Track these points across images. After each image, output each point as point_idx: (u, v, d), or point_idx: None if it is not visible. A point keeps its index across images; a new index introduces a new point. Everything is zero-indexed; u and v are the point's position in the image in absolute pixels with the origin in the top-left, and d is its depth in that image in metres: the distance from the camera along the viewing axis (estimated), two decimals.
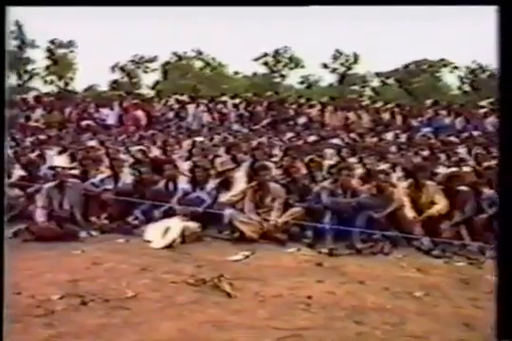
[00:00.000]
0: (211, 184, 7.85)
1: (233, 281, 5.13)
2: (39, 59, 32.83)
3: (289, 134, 12.27)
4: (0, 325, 3.04)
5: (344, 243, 6.63)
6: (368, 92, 35.72)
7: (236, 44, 44.85)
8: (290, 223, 6.98)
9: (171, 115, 15.33)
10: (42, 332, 4.07)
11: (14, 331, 4.08)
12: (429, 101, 16.89)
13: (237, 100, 15.86)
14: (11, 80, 31.94)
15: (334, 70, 36.89)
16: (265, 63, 36.85)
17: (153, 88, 33.98)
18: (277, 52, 36.76)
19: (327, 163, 8.67)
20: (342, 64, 36.74)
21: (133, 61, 35.97)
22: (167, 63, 35.98)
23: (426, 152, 10.36)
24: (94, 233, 7.25)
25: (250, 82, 35.35)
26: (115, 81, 35.08)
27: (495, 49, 3.08)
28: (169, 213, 7.44)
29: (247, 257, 6.19)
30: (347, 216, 6.80)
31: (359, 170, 8.06)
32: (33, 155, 9.97)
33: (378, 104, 16.20)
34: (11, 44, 31.71)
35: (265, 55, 36.65)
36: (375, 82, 37.57)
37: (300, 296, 4.84)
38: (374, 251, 6.46)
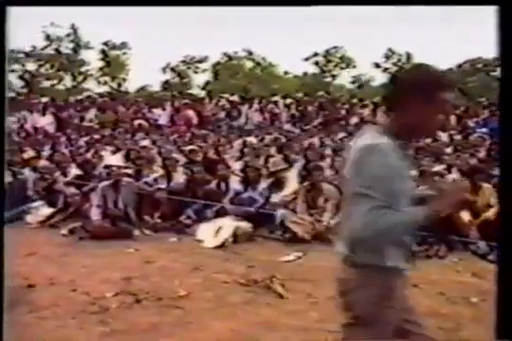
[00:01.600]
0: (263, 184, 7.83)
1: (285, 282, 5.10)
2: (93, 60, 33.49)
3: (341, 135, 12.14)
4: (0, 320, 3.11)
5: None
6: None
7: (286, 44, 44.79)
8: None
9: (222, 115, 15.39)
10: (96, 329, 4.13)
11: (68, 326, 4.18)
12: (483, 101, 16.48)
13: (288, 100, 15.81)
14: (66, 81, 32.65)
15: (386, 70, 36.37)
16: (316, 63, 36.65)
17: (203, 88, 34.23)
18: (328, 52, 36.52)
19: None
20: (395, 64, 36.20)
21: (184, 61, 36.28)
22: (217, 64, 36.17)
23: (482, 154, 10.09)
24: (147, 232, 7.35)
25: (301, 82, 35.22)
26: (166, 82, 35.46)
27: (495, 49, 3.02)
28: (221, 213, 7.48)
29: (300, 258, 6.15)
30: None
31: (413, 171, 7.88)
32: (88, 155, 10.18)
33: None
34: (68, 46, 32.44)
35: (316, 55, 36.46)
36: None
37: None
38: (429, 254, 6.31)
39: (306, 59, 36.42)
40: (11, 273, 5.51)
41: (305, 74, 37.08)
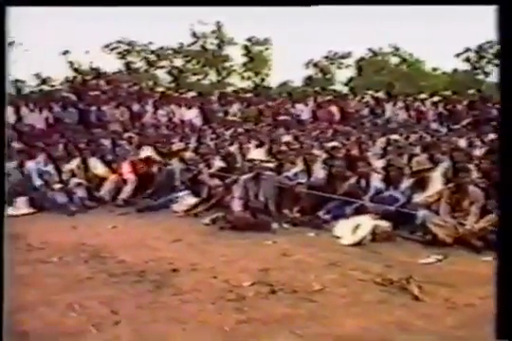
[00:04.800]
0: (406, 183, 7.64)
1: (422, 285, 4.96)
2: (236, 56, 34.33)
3: (492, 136, 11.52)
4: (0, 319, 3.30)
5: None
6: None
7: (435, 40, 43.06)
8: (488, 229, 6.55)
9: (365, 111, 15.20)
10: (233, 316, 4.27)
11: (207, 311, 4.38)
12: None
13: (436, 98, 15.30)
14: (211, 76, 33.80)
15: None
16: (467, 59, 35.00)
17: (346, 84, 33.98)
18: (481, 47, 34.72)
19: None
20: None
21: (327, 57, 36.17)
22: (361, 59, 35.69)
23: None
24: (285, 225, 7.45)
25: (450, 79, 33.81)
26: (308, 77, 35.56)
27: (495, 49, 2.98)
28: (360, 210, 7.41)
29: (439, 261, 5.94)
30: None
31: None
32: (232, 148, 10.51)
33: None
34: (213, 42, 33.58)
35: (468, 50, 34.81)
36: None
37: (493, 307, 4.55)
38: None
39: (457, 55, 34.90)
40: (158, 257, 5.91)
41: (455, 71, 35.54)
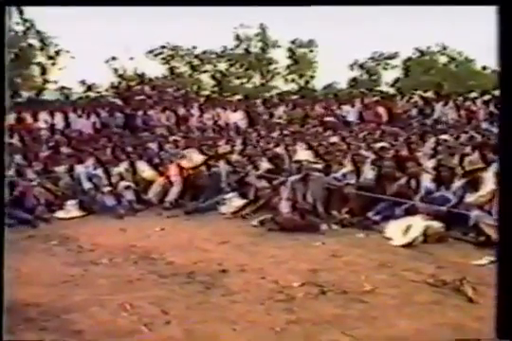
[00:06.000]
0: (457, 183, 7.46)
1: (476, 286, 4.84)
2: (280, 59, 34.26)
3: None
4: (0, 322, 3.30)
5: None
6: None
7: (484, 37, 42.24)
8: None
9: (413, 112, 14.99)
10: (282, 316, 4.25)
11: (257, 311, 4.37)
12: None
13: (486, 97, 14.95)
14: (255, 79, 33.86)
15: None
16: None
17: (392, 85, 33.53)
18: None
19: None
20: None
21: (372, 58, 35.79)
22: (408, 59, 35.18)
23: None
24: (334, 226, 7.37)
25: None
26: (353, 79, 35.26)
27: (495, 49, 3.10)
28: (410, 211, 7.27)
29: (493, 262, 5.76)
30: None
31: None
32: (278, 149, 10.48)
33: None
34: (256, 45, 33.65)
35: None
36: None
37: None
38: None
39: None
40: (207, 258, 5.92)
41: None
